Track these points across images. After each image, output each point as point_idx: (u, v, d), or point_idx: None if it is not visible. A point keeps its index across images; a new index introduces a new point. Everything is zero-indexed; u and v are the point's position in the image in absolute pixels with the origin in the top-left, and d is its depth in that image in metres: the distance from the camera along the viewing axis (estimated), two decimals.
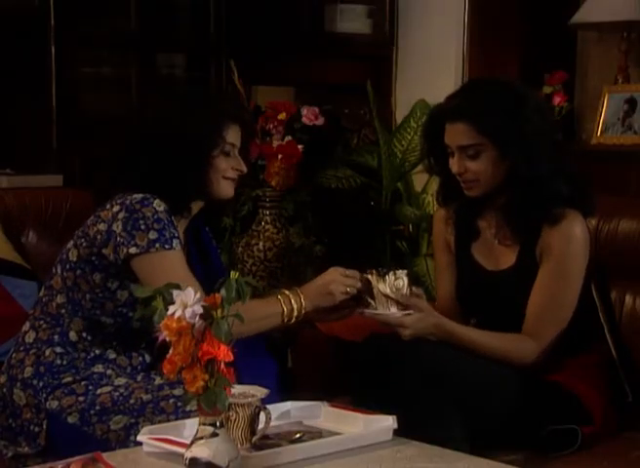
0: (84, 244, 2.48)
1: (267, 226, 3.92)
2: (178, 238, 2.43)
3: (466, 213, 2.69)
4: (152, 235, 2.39)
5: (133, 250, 2.39)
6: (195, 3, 4.14)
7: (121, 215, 2.41)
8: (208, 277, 2.42)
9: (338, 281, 2.46)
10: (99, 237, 2.44)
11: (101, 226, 2.45)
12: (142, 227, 2.39)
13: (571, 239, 2.54)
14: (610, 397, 2.61)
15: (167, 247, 2.39)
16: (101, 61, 3.98)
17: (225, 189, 2.57)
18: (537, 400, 2.50)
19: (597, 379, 2.60)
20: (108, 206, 2.46)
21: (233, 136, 2.55)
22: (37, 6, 3.54)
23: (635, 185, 3.69)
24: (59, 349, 2.48)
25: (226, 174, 2.55)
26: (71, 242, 2.53)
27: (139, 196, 2.43)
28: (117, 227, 2.41)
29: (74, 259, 2.49)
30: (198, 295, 1.79)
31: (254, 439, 2.09)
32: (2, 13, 3.45)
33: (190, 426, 2.03)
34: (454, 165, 2.56)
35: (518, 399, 2.47)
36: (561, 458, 2.43)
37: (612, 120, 3.95)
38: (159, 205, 2.43)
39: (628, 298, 2.87)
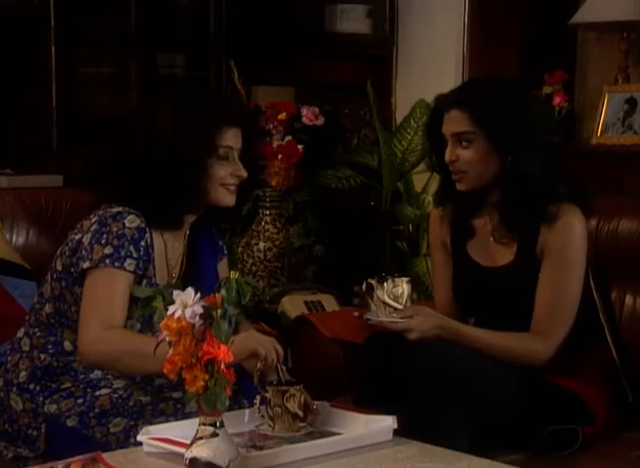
0: (67, 253, 2.46)
1: (267, 226, 3.92)
2: (135, 258, 2.37)
3: (462, 212, 2.70)
4: (108, 250, 2.36)
5: (86, 264, 2.37)
6: (195, 3, 4.14)
7: (93, 228, 2.40)
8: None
9: (266, 344, 2.27)
10: (74, 247, 2.43)
11: (78, 236, 2.44)
12: (103, 241, 2.36)
13: (570, 235, 2.55)
14: (610, 397, 2.61)
15: (117, 265, 2.35)
16: (101, 61, 3.99)
17: (224, 198, 2.46)
18: (538, 400, 2.49)
19: (597, 379, 2.60)
20: (91, 216, 2.45)
21: (230, 138, 2.43)
22: (37, 6, 3.53)
23: (635, 185, 3.69)
24: (53, 353, 2.46)
25: (224, 181, 2.44)
26: (60, 249, 2.50)
27: (115, 209, 2.40)
28: (86, 239, 2.40)
29: (60, 268, 2.47)
30: (198, 295, 1.79)
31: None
32: (2, 13, 3.44)
33: (190, 426, 2.03)
34: (447, 154, 2.58)
35: (519, 399, 2.47)
36: (562, 458, 2.42)
37: (612, 120, 3.94)
38: (132, 221, 2.39)
39: (628, 298, 2.87)
